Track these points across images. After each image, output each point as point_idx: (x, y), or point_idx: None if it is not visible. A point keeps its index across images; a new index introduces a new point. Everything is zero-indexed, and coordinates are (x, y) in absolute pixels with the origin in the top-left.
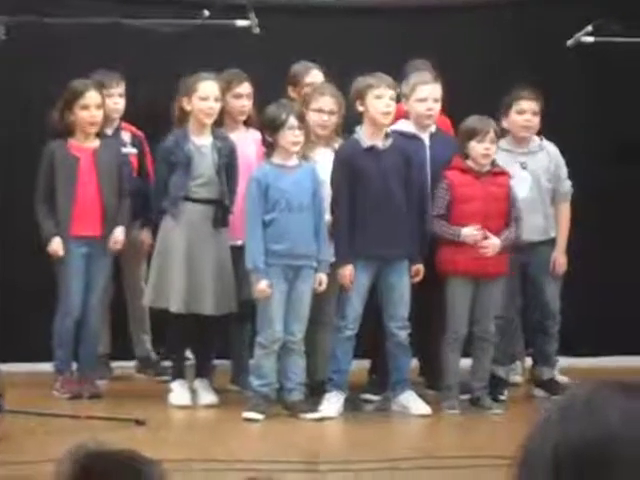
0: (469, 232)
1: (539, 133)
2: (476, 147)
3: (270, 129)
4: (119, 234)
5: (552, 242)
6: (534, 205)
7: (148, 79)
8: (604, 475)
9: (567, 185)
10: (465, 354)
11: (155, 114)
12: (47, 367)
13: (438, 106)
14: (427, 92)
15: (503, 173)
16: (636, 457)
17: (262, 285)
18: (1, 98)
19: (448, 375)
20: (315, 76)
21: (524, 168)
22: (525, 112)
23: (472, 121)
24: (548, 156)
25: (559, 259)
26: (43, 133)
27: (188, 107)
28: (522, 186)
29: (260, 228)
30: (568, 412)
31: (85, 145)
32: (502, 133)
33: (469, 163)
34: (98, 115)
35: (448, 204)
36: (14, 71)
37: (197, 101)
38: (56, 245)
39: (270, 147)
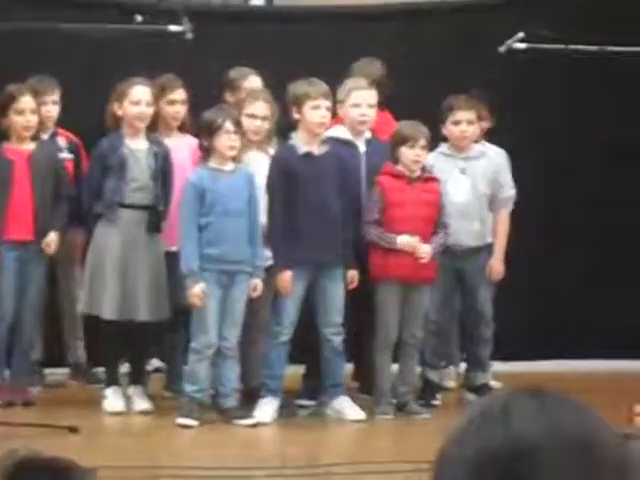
0: (405, 240)
1: (489, 134)
2: (407, 153)
3: (206, 133)
4: (52, 238)
5: (488, 247)
6: (471, 210)
7: (82, 84)
8: None
9: (507, 192)
10: (395, 359)
11: (90, 120)
12: None
13: (373, 112)
14: (361, 98)
15: (433, 179)
16: (556, 465)
17: (197, 289)
18: None
19: (380, 380)
20: (253, 82)
21: (463, 173)
22: (460, 122)
23: (403, 127)
24: (489, 162)
25: (495, 266)
26: None
27: (120, 112)
28: (460, 191)
29: (195, 232)
30: (486, 419)
31: (20, 148)
32: (443, 138)
33: (400, 168)
34: (33, 120)
35: (381, 209)
36: None
37: (129, 106)
38: None
39: (206, 152)
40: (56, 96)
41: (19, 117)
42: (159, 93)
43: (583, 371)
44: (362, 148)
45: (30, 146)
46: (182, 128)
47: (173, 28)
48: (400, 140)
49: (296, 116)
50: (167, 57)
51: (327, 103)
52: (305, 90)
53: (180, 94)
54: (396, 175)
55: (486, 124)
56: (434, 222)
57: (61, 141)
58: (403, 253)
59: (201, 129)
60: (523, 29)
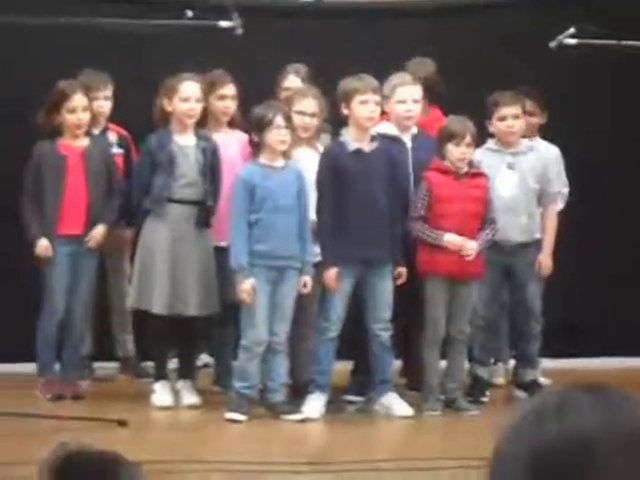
0: (452, 239)
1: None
2: (453, 150)
3: (257, 128)
4: (97, 232)
5: (536, 243)
6: (518, 205)
7: (132, 80)
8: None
9: (556, 187)
10: (443, 355)
11: (139, 115)
12: (30, 368)
13: (418, 107)
14: (406, 94)
15: (481, 174)
16: (612, 461)
17: (246, 285)
18: None
19: (428, 376)
20: (292, 81)
21: (511, 168)
22: (506, 118)
23: (450, 123)
24: (538, 157)
25: (544, 261)
26: (30, 133)
27: (169, 108)
28: (507, 186)
29: (245, 228)
30: (541, 416)
31: (74, 144)
32: (491, 134)
33: (447, 164)
34: (84, 118)
35: (428, 205)
36: None
37: (178, 102)
38: (43, 247)
39: (257, 147)
40: (108, 91)
41: (71, 115)
42: (209, 88)
43: (631, 367)
44: (409, 144)
45: (83, 142)
46: (232, 124)
47: (223, 24)
48: (447, 137)
49: (345, 112)
50: (217, 53)
51: (376, 98)
52: (354, 85)
53: (230, 89)
54: (443, 171)
55: (538, 120)
56: (481, 218)
57: (112, 136)
58: (450, 249)
59: (251, 124)
60: (574, 24)
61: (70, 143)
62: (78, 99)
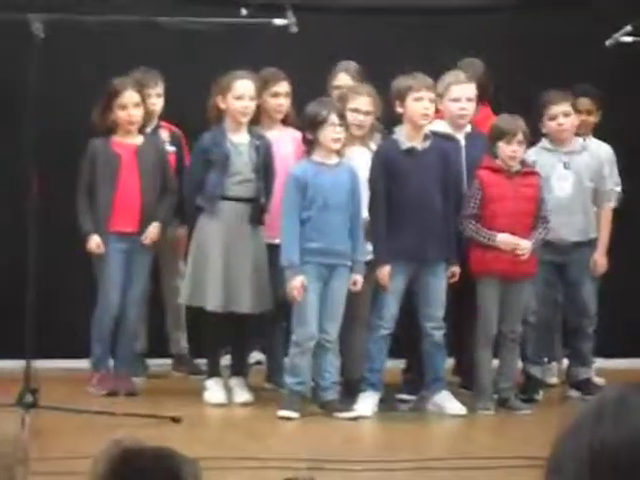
0: (505, 239)
1: (595, 129)
2: (504, 148)
3: (311, 126)
4: (152, 229)
5: (591, 242)
6: (574, 204)
7: (186, 78)
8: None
9: (611, 185)
10: (496, 354)
11: (193, 112)
12: (84, 363)
13: (472, 106)
14: (460, 92)
15: (533, 173)
16: None
17: (297, 282)
18: (40, 96)
19: (481, 375)
20: (342, 79)
21: (566, 168)
22: (556, 116)
23: (501, 121)
24: (592, 156)
25: (599, 260)
26: (84, 130)
27: (223, 106)
28: (563, 185)
29: (297, 225)
30: (600, 414)
31: (127, 142)
32: (545, 134)
33: (499, 163)
34: (136, 114)
35: (480, 203)
36: (53, 69)
37: (232, 100)
38: (94, 243)
39: (310, 145)
40: (160, 89)
41: (122, 112)
42: (262, 86)
43: None
44: (462, 142)
45: (137, 140)
46: (285, 121)
47: (278, 21)
48: (497, 135)
49: (399, 110)
50: (271, 50)
51: (430, 95)
52: (408, 83)
53: (284, 86)
54: (495, 169)
55: (593, 119)
56: (534, 216)
57: (164, 134)
58: (503, 249)
59: (305, 122)
60: (631, 22)
61: (124, 141)
62: (129, 95)
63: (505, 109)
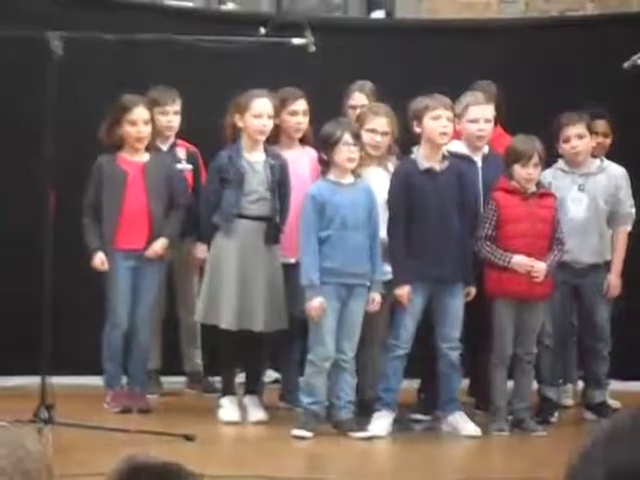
0: (520, 261)
1: (609, 152)
2: (519, 171)
3: (326, 146)
4: (158, 244)
5: (606, 265)
6: (590, 227)
7: (203, 96)
8: None
9: (626, 207)
10: (510, 375)
11: (210, 131)
12: (98, 380)
13: (490, 127)
14: (479, 113)
15: (549, 194)
16: None
17: (316, 302)
18: (57, 112)
19: (495, 396)
20: (357, 98)
21: (581, 190)
22: (570, 139)
23: (517, 143)
24: (608, 178)
25: (613, 282)
26: (97, 147)
27: (241, 124)
28: (578, 207)
29: (315, 244)
30: (614, 437)
31: (134, 159)
32: (560, 155)
33: (515, 184)
34: (145, 131)
35: (495, 225)
36: (71, 85)
37: (250, 118)
38: (98, 260)
39: (326, 165)
40: (177, 106)
41: (132, 128)
42: (281, 105)
43: None
44: (479, 163)
45: (144, 157)
46: (303, 140)
47: (296, 41)
48: (513, 157)
49: (417, 130)
50: (290, 70)
51: (448, 114)
52: (425, 103)
53: (301, 105)
54: (510, 190)
55: (609, 141)
56: (549, 238)
57: (180, 152)
58: (518, 271)
59: (320, 142)
60: None
61: (131, 158)
62: (139, 112)
63: (520, 130)
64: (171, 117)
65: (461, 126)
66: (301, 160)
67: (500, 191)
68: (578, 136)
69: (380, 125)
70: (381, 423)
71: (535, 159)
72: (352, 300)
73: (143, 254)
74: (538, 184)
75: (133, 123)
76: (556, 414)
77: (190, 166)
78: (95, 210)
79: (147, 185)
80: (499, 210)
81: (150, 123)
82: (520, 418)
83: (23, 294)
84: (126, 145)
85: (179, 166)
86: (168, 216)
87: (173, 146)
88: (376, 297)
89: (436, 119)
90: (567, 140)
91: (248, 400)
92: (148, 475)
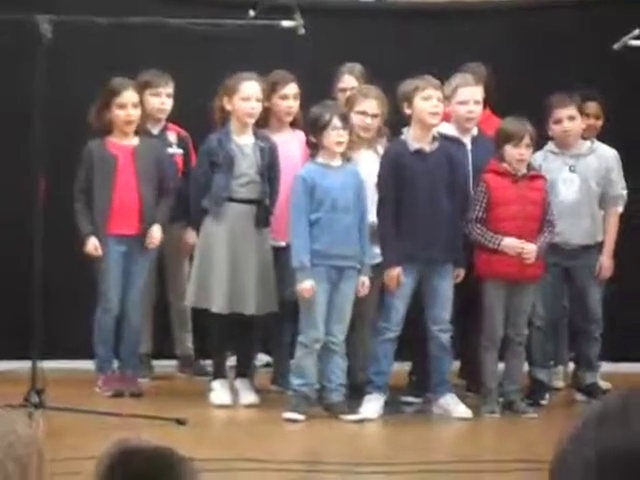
0: (510, 243)
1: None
2: (511, 151)
3: (314, 129)
4: (156, 232)
5: (598, 246)
6: (581, 208)
7: (193, 79)
8: None
9: (618, 189)
10: (501, 357)
11: (199, 114)
12: (89, 364)
13: (479, 109)
14: (468, 95)
15: (539, 177)
16: None
17: (307, 284)
18: (47, 96)
19: (486, 378)
20: (347, 81)
21: (572, 171)
22: (561, 120)
23: (508, 124)
24: (598, 159)
25: (605, 264)
26: (91, 131)
27: (229, 107)
28: (570, 189)
29: (306, 227)
30: (605, 418)
31: (123, 143)
32: (551, 137)
33: (505, 166)
34: (134, 114)
35: (485, 207)
36: (60, 69)
37: (238, 101)
38: (91, 245)
39: (314, 148)
40: (170, 89)
41: (121, 111)
42: (271, 88)
43: None
44: (468, 145)
45: (133, 141)
46: (293, 124)
47: (286, 23)
48: (504, 138)
49: (407, 111)
50: (279, 52)
51: (438, 94)
52: (415, 84)
53: (292, 89)
54: (501, 173)
55: (600, 123)
56: (540, 220)
57: (171, 136)
58: (509, 253)
59: (308, 125)
60: (639, 26)
61: (120, 142)
62: (129, 95)
63: (510, 112)
64: (164, 99)
65: (450, 108)
66: (291, 143)
67: (490, 173)
68: (569, 117)
69: (370, 107)
70: (372, 406)
71: (527, 139)
72: (342, 282)
73: (134, 239)
74: (529, 166)
75: (122, 106)
76: (547, 396)
77: (181, 150)
78: (86, 195)
79: (137, 169)
80: (489, 192)
81: (139, 107)
82: (511, 400)
83: (14, 279)
84: (115, 129)
85: (170, 150)
86: (159, 201)
87: (164, 130)
88: (365, 280)
89: (427, 99)
90: (558, 121)
91: (239, 383)
92: (139, 459)
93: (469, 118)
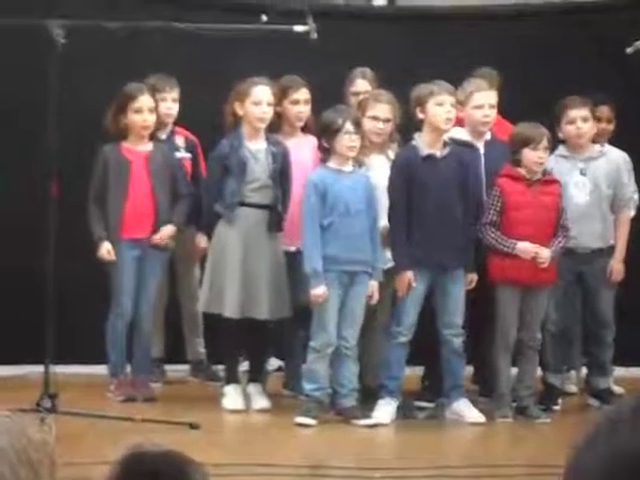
0: (524, 247)
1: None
2: (530, 155)
3: (326, 134)
4: (166, 231)
5: (610, 250)
6: (592, 211)
7: (205, 84)
8: None
9: (629, 192)
10: (514, 362)
11: (210, 119)
12: (102, 369)
13: (494, 113)
14: (484, 99)
15: (554, 181)
16: None
17: (320, 290)
18: (59, 101)
19: (500, 383)
20: (360, 85)
21: (583, 174)
22: (575, 121)
23: (525, 128)
24: (609, 162)
25: (616, 267)
26: (104, 136)
27: (240, 112)
28: (581, 192)
29: (318, 232)
30: (617, 423)
31: (138, 149)
32: (560, 142)
33: (520, 171)
34: (151, 119)
35: (500, 211)
36: (73, 74)
37: (250, 106)
38: (105, 250)
39: (326, 152)
40: (175, 94)
41: (137, 116)
42: (283, 93)
43: None
44: (482, 149)
45: (147, 147)
46: (305, 128)
47: (298, 28)
48: (522, 142)
49: (420, 116)
50: (291, 57)
51: (452, 100)
52: (429, 89)
53: (303, 93)
54: (516, 177)
55: (611, 127)
56: (554, 225)
57: (179, 140)
58: (521, 257)
59: (321, 130)
60: None
61: (135, 147)
62: (145, 100)
63: (522, 116)
64: (169, 104)
65: (465, 113)
66: (303, 148)
67: (504, 177)
68: (583, 119)
69: (382, 112)
70: (385, 410)
71: (545, 142)
72: (354, 287)
73: (147, 243)
74: (543, 171)
75: (139, 111)
76: (560, 401)
77: (189, 154)
78: (100, 200)
79: (151, 174)
80: (504, 197)
81: (155, 111)
82: (524, 405)
83: (27, 284)
84: (131, 134)
85: (178, 154)
86: (175, 205)
87: (172, 134)
88: (376, 285)
89: (440, 105)
90: (572, 122)
91: (252, 388)
92: (151, 463)
93: (485, 122)
